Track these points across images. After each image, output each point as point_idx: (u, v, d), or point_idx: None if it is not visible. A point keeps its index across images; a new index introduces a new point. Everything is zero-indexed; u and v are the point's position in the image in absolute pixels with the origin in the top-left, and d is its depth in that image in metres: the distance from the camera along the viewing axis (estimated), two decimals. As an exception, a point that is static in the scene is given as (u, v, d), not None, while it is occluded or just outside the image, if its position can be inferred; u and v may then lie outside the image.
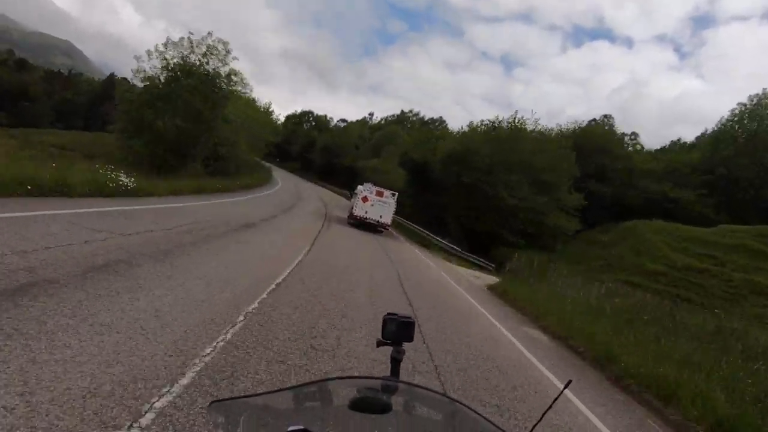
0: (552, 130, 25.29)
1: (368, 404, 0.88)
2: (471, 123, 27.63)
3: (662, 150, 55.14)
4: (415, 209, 30.31)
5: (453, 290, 11.37)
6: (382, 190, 19.94)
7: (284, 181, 43.14)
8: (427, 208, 27.93)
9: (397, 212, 30.41)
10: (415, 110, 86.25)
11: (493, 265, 20.12)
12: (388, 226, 19.93)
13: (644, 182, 39.94)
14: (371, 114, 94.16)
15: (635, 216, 36.80)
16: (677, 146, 57.80)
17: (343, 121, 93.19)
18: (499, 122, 24.00)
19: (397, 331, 1.22)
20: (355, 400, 0.88)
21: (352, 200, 21.23)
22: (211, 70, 20.16)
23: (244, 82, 21.45)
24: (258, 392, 1.01)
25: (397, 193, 20.69)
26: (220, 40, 20.53)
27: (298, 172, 69.98)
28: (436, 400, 1.04)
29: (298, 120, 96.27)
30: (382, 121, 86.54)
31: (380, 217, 19.30)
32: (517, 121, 23.30)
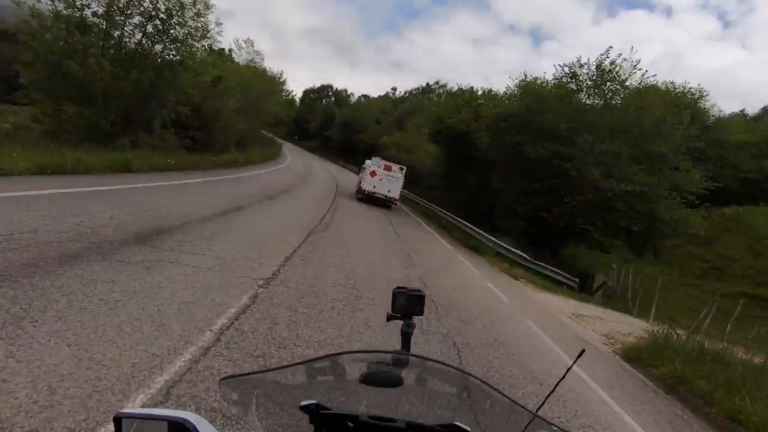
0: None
1: (380, 378, 0.87)
2: (525, 76, 19.34)
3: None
4: (452, 194, 23.77)
5: (575, 384, 5.07)
6: (390, 164, 19.31)
7: (295, 159, 37.26)
8: (468, 193, 21.39)
9: (430, 199, 24.47)
10: (442, 81, 77.37)
11: (576, 280, 13.47)
12: (396, 200, 19.49)
13: (737, 158, 31.84)
14: (394, 89, 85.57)
15: (729, 201, 29.15)
16: (738, 118, 48.35)
17: (365, 97, 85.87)
18: (580, 66, 16.29)
19: (407, 304, 1.16)
20: (366, 374, 0.86)
21: (360, 174, 20.17)
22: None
23: (211, 9, 14.75)
24: (269, 368, 0.90)
25: (405, 168, 19.47)
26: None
27: (317, 152, 64.00)
28: (448, 372, 0.98)
29: (317, 95, 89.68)
30: (406, 95, 78.70)
31: (388, 191, 18.74)
32: (610, 64, 15.51)
